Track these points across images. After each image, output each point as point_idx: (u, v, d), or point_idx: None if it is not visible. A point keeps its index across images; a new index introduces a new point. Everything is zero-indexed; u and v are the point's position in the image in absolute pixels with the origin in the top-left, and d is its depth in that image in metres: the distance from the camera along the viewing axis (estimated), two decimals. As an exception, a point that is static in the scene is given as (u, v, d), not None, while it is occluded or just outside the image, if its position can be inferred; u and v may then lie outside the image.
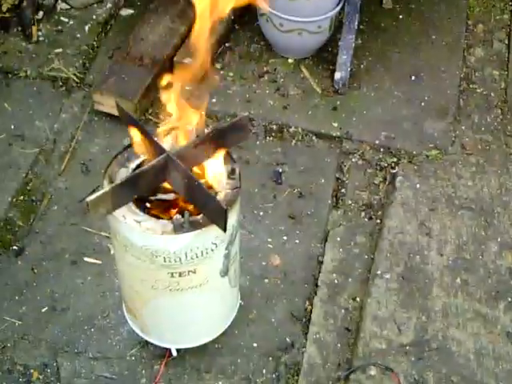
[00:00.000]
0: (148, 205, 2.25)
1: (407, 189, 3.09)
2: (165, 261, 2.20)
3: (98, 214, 2.13)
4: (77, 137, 3.24)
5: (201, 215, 2.16)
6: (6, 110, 3.32)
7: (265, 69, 3.48)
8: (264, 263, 2.90)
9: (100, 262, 2.89)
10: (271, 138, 3.27)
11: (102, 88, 3.23)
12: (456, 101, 3.40)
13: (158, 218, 2.20)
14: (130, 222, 2.16)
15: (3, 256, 2.89)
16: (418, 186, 3.10)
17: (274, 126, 3.29)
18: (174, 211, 2.25)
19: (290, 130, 3.28)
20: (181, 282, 2.28)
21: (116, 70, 3.30)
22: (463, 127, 3.32)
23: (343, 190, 3.12)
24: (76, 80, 3.40)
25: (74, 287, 2.83)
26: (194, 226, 2.14)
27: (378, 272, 2.85)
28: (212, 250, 2.23)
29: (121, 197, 2.15)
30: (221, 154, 2.26)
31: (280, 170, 3.15)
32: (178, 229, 2.14)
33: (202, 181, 2.22)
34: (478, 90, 3.46)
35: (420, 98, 3.41)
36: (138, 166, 2.29)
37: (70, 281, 2.84)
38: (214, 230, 2.15)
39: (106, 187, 2.13)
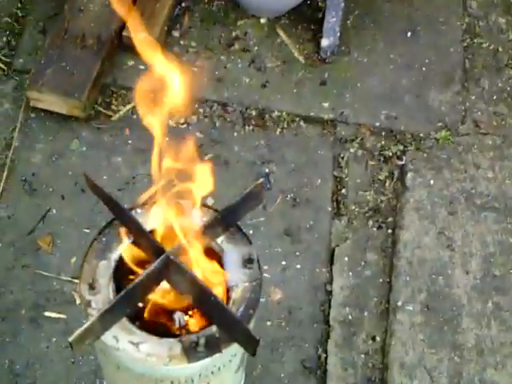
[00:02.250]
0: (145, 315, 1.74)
1: (420, 187, 2.62)
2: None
3: (83, 346, 1.61)
4: (13, 143, 2.63)
5: (215, 328, 1.67)
6: None
7: (233, 34, 2.86)
8: (263, 299, 2.43)
9: (65, 317, 2.38)
10: (251, 128, 2.72)
11: (40, 84, 2.59)
12: (461, 62, 2.89)
13: (160, 333, 1.69)
14: (125, 347, 1.64)
15: None
16: (431, 182, 2.63)
17: (254, 112, 2.74)
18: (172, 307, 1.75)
19: (273, 114, 2.74)
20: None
21: (54, 56, 2.65)
22: (473, 97, 2.83)
23: (344, 191, 2.63)
24: (2, 67, 2.73)
25: (38, 353, 2.33)
26: (211, 346, 1.64)
27: (399, 303, 2.43)
28: (230, 361, 1.78)
29: (110, 320, 1.63)
30: (230, 232, 1.76)
31: (267, 171, 2.63)
32: (191, 353, 1.64)
33: (214, 275, 1.73)
34: (484, 45, 2.94)
35: (420, 60, 2.88)
36: (121, 256, 1.75)
37: (32, 345, 2.34)
38: (234, 347, 1.66)
39: (92, 316, 1.59)
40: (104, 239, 1.77)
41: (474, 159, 2.69)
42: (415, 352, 2.35)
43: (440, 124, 2.75)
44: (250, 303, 1.71)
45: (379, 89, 2.81)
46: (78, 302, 2.38)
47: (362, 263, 2.52)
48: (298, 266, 2.50)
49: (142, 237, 1.71)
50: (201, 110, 2.73)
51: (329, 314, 2.43)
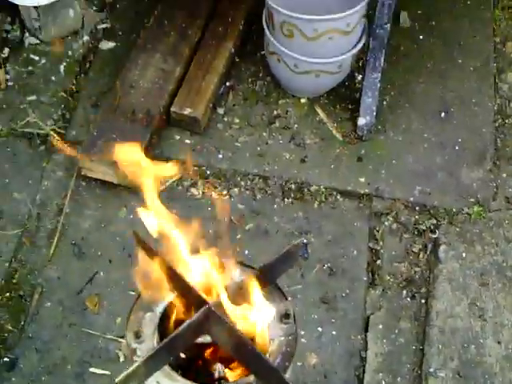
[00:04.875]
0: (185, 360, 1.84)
1: (452, 260, 2.71)
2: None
3: None
4: (64, 209, 2.78)
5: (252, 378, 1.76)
6: (-23, 180, 2.83)
7: (275, 112, 3.02)
8: (300, 363, 2.51)
9: (109, 373, 2.47)
10: (290, 200, 2.84)
11: (91, 153, 2.75)
12: (493, 141, 3.01)
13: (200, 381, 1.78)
14: (165, 391, 1.74)
15: (-7, 371, 2.47)
16: (463, 255, 2.72)
17: (293, 185, 2.86)
18: (212, 357, 1.85)
19: (311, 188, 2.86)
20: None
21: (105, 128, 2.82)
22: (504, 175, 2.93)
23: (379, 262, 2.73)
24: (56, 137, 2.90)
25: (82, 410, 2.42)
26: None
27: (431, 370, 2.49)
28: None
29: (154, 365, 1.73)
30: (268, 289, 1.86)
31: (305, 241, 2.74)
32: (229, 402, 1.74)
33: (250, 328, 1.81)
34: (516, 125, 3.07)
35: (453, 140, 2.99)
36: (166, 308, 1.86)
37: (76, 401, 2.43)
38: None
39: (136, 359, 1.71)
40: (150, 292, 1.89)
41: (505, 233, 2.78)
42: (448, 419, 2.41)
43: (472, 200, 2.85)
44: (285, 355, 1.79)
45: (413, 166, 2.93)
46: (121, 359, 2.49)
47: (396, 331, 2.59)
48: (334, 333, 2.58)
49: (185, 290, 1.82)
50: (242, 183, 2.87)
51: (363, 378, 2.50)
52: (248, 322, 1.83)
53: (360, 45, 2.87)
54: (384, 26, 2.84)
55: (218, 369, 1.80)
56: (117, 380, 1.65)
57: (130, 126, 2.82)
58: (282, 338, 1.83)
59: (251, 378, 1.75)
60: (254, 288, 1.82)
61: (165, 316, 1.85)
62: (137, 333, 1.82)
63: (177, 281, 1.82)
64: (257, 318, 1.82)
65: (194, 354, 1.87)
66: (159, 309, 1.86)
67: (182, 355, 1.85)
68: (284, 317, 1.85)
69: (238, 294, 1.81)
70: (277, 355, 1.79)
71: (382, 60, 2.88)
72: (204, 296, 1.79)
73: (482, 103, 3.10)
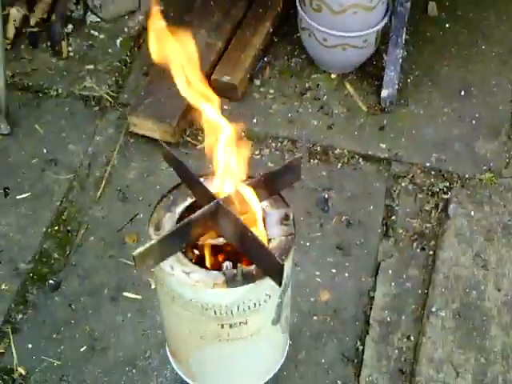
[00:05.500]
0: (195, 250, 2.11)
1: (461, 217, 2.93)
2: (215, 313, 2.06)
3: (144, 267, 1.99)
4: (112, 161, 3.10)
5: (254, 266, 2.02)
6: (37, 133, 3.18)
7: (307, 85, 3.31)
8: (312, 299, 2.76)
9: (140, 298, 2.76)
10: (316, 161, 3.11)
11: (139, 110, 3.08)
12: (509, 118, 3.23)
13: (208, 268, 2.06)
14: (178, 274, 2.01)
15: (39, 291, 2.77)
16: (472, 213, 2.94)
17: (319, 148, 3.14)
18: (223, 258, 2.11)
19: (335, 151, 3.13)
20: (231, 333, 2.14)
21: (152, 90, 3.15)
22: (517, 147, 3.16)
23: (393, 218, 2.97)
24: (109, 99, 3.25)
25: (114, 325, 2.70)
26: (248, 278, 2.00)
27: (433, 309, 2.70)
28: (265, 301, 2.09)
29: (169, 248, 2.01)
30: (273, 198, 2.13)
31: (326, 196, 3.00)
32: (231, 281, 1.99)
33: (254, 228, 2.07)
34: (532, 105, 3.29)
35: (471, 115, 3.24)
36: (185, 210, 2.15)
37: (110, 318, 2.72)
38: (268, 282, 2.00)
39: (153, 239, 1.99)
40: (171, 197, 2.18)
41: (513, 197, 3.00)
42: (444, 350, 2.61)
43: (485, 168, 3.08)
44: (284, 251, 2.05)
45: (432, 136, 3.17)
46: (152, 286, 2.77)
47: (404, 276, 2.82)
48: (346, 275, 2.82)
49: (202, 194, 2.10)
50: (273, 145, 3.15)
51: (370, 315, 2.72)
52: (253, 215, 2.10)
53: (383, 22, 3.15)
54: (404, 3, 3.11)
55: (226, 265, 2.06)
56: (134, 253, 1.93)
57: (175, 89, 3.13)
58: (282, 238, 2.10)
59: (252, 267, 2.03)
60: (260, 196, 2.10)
61: (183, 217, 2.14)
62: (157, 226, 2.12)
63: (193, 183, 2.12)
64: (259, 217, 2.11)
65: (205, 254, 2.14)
66: (178, 209, 2.16)
67: (196, 252, 2.13)
68: (284, 219, 2.13)
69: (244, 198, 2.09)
70: (276, 250, 2.05)
71: (404, 37, 3.15)
72: (214, 194, 2.08)
73: (501, 84, 3.34)
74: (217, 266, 2.10)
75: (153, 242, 1.96)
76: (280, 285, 1.98)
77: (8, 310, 2.72)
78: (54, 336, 2.68)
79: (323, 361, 2.63)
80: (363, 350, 2.64)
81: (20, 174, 3.05)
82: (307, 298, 2.76)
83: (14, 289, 2.76)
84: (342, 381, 2.59)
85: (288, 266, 2.10)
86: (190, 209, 2.15)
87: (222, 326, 2.11)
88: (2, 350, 2.64)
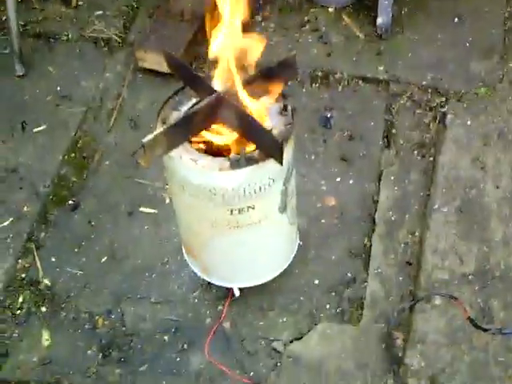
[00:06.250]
0: (203, 147, 2.24)
1: (458, 126, 3.06)
2: (223, 198, 2.19)
3: (154, 155, 2.12)
4: (123, 94, 3.25)
5: (256, 151, 2.16)
6: (50, 74, 3.33)
7: (306, 18, 3.47)
8: (319, 205, 2.89)
9: (156, 212, 2.90)
10: (317, 85, 3.25)
11: (145, 45, 3.24)
12: (501, 40, 3.37)
13: (215, 155, 2.20)
14: (186, 161, 2.16)
15: (60, 211, 2.91)
16: (468, 122, 3.07)
17: (319, 73, 3.28)
18: (229, 150, 2.24)
19: (336, 75, 3.27)
20: (240, 219, 2.28)
21: (157, 27, 3.31)
22: (511, 64, 3.28)
23: (394, 131, 3.10)
24: (118, 40, 3.41)
25: (132, 237, 2.83)
26: (251, 161, 2.14)
27: (436, 206, 2.83)
28: (269, 186, 2.23)
29: (176, 137, 2.15)
30: (271, 91, 2.26)
31: (328, 115, 3.14)
32: (235, 165, 2.13)
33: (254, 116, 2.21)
34: (524, 28, 3.43)
35: (464, 39, 3.37)
36: (190, 109, 2.27)
37: (128, 231, 2.85)
38: (270, 165, 2.15)
39: (161, 128, 2.12)
40: (177, 98, 2.32)
41: (508, 107, 3.11)
42: (447, 242, 2.73)
43: (480, 84, 3.21)
44: (284, 137, 2.19)
45: (427, 59, 3.31)
46: (167, 201, 2.91)
47: (406, 181, 2.94)
48: (351, 182, 2.95)
49: (205, 91, 2.22)
50: (275, 73, 3.29)
51: (375, 215, 2.85)
52: (254, 108, 2.24)
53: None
54: None
55: (231, 155, 2.19)
56: (143, 140, 2.07)
57: (179, 25, 3.30)
58: (282, 127, 2.24)
59: (255, 153, 2.17)
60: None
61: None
62: (163, 120, 2.26)
63: (197, 82, 2.25)
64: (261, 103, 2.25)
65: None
66: (184, 108, 2.30)
67: (203, 146, 2.26)
68: (283, 109, 2.27)
69: (249, 86, 2.23)
70: (277, 137, 2.18)
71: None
72: (216, 87, 2.21)
73: (494, 11, 3.48)
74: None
75: (160, 130, 2.10)
76: (281, 163, 2.12)
77: (31, 229, 2.86)
78: (76, 250, 2.81)
79: (333, 258, 2.75)
80: (370, 246, 2.77)
81: (36, 110, 3.20)
82: (314, 204, 2.89)
83: (35, 210, 2.90)
84: (352, 274, 2.71)
85: (289, 152, 2.24)
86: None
87: (231, 212, 2.25)
88: (28, 265, 2.77)
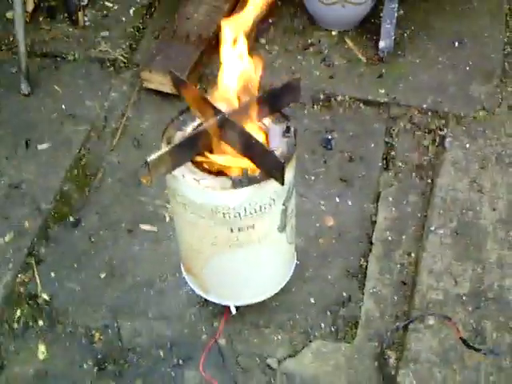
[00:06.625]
0: (206, 166, 2.27)
1: (457, 149, 3.09)
2: (224, 216, 2.23)
3: (158, 174, 2.15)
4: (127, 114, 3.30)
5: (258, 172, 2.19)
6: (56, 92, 3.39)
7: (309, 41, 3.52)
8: (318, 224, 2.93)
9: (156, 229, 2.94)
10: (319, 107, 3.30)
11: (150, 65, 3.29)
12: (501, 64, 3.41)
13: (217, 175, 2.23)
14: (189, 181, 2.19)
15: (60, 227, 2.95)
16: (467, 145, 3.10)
17: (321, 95, 3.32)
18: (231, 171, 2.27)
19: (338, 98, 3.31)
20: (240, 237, 2.31)
21: (163, 48, 3.36)
22: (509, 89, 3.32)
23: (393, 153, 3.13)
24: (123, 60, 3.47)
25: (132, 254, 2.87)
26: (252, 181, 2.17)
27: (432, 228, 2.85)
28: (270, 206, 2.26)
29: (180, 156, 2.18)
30: (274, 115, 2.30)
31: (329, 137, 3.18)
32: (237, 184, 2.17)
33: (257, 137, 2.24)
34: (523, 54, 3.47)
35: (465, 63, 3.41)
36: (195, 129, 2.31)
37: (127, 248, 2.89)
38: (271, 185, 2.18)
39: (166, 148, 2.16)
40: (181, 118, 2.36)
41: (506, 131, 3.14)
42: (443, 263, 2.75)
43: (479, 107, 3.24)
44: (286, 158, 2.22)
45: (428, 82, 3.35)
46: (167, 219, 2.95)
47: (404, 202, 2.97)
48: (350, 203, 2.98)
49: (209, 111, 2.26)
50: (278, 95, 3.34)
51: (372, 235, 2.88)
52: (257, 129, 2.28)
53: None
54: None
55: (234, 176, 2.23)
56: (148, 159, 2.11)
57: (184, 47, 3.35)
58: (284, 148, 2.27)
59: (256, 173, 2.19)
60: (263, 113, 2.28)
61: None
62: (168, 139, 2.30)
63: (201, 103, 2.29)
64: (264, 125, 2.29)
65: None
66: (188, 129, 2.34)
67: (206, 166, 2.29)
68: (286, 131, 2.30)
69: (253, 108, 2.27)
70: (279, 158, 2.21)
71: (397, -10, 3.36)
72: (221, 108, 2.25)
73: (493, 36, 3.52)
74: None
75: (165, 149, 2.14)
76: (282, 183, 2.14)
77: (31, 244, 2.89)
78: (75, 265, 2.85)
79: (329, 277, 2.78)
80: (367, 266, 2.79)
81: (40, 128, 3.25)
82: (313, 223, 2.92)
83: (36, 226, 2.94)
84: (348, 293, 2.73)
85: (290, 173, 2.28)
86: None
87: (232, 230, 2.29)
88: (27, 279, 2.81)
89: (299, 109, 3.28)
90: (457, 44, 3.49)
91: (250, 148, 2.17)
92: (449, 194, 2.95)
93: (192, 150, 2.21)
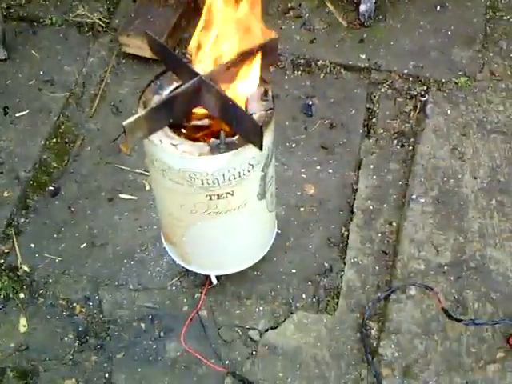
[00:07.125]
0: (184, 131, 2.25)
1: (438, 115, 3.08)
2: (202, 183, 2.20)
3: (134, 138, 2.12)
4: (106, 79, 3.26)
5: (236, 137, 2.17)
6: (34, 58, 3.33)
7: (289, 5, 3.47)
8: (299, 193, 2.91)
9: (136, 198, 2.92)
10: (299, 72, 3.26)
11: (129, 30, 3.24)
12: (483, 29, 3.38)
13: (195, 141, 2.20)
14: (166, 146, 2.16)
15: (40, 197, 2.93)
16: (448, 112, 3.09)
17: (302, 60, 3.29)
18: (209, 136, 2.25)
19: (318, 63, 3.28)
20: (219, 205, 2.29)
21: (141, 12, 3.31)
22: (491, 54, 3.30)
23: (374, 120, 3.12)
24: (101, 24, 3.41)
25: (112, 223, 2.85)
26: (231, 146, 2.14)
27: (413, 196, 2.85)
28: (249, 172, 2.23)
29: (156, 121, 2.15)
30: (252, 76, 2.27)
31: (310, 103, 3.15)
32: (215, 150, 2.14)
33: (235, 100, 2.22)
34: (505, 18, 3.44)
35: (446, 27, 3.39)
36: (171, 92, 2.28)
37: (108, 217, 2.87)
38: (250, 150, 2.15)
39: (142, 111, 2.13)
40: (158, 82, 2.33)
41: (487, 97, 3.14)
42: (424, 232, 2.76)
43: (460, 73, 3.22)
44: (264, 122, 2.18)
45: (409, 46, 3.32)
46: (147, 188, 2.92)
47: (385, 170, 2.96)
48: (330, 171, 2.97)
49: (186, 74, 2.23)
50: (258, 60, 3.30)
51: (353, 204, 2.87)
52: (235, 92, 2.25)
53: None
54: None
55: (212, 140, 2.20)
56: (124, 123, 2.08)
57: (163, 10, 3.30)
58: (262, 112, 2.24)
59: (234, 138, 2.17)
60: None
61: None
62: (145, 103, 2.27)
63: (178, 65, 2.26)
64: (242, 88, 2.25)
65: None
66: (165, 93, 2.30)
67: (184, 131, 2.27)
68: (264, 94, 2.27)
69: (230, 70, 2.23)
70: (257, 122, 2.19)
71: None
72: (196, 70, 2.22)
73: (476, 0, 3.49)
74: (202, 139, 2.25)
75: (141, 113, 2.10)
76: (261, 148, 2.12)
77: (11, 215, 2.87)
78: (55, 236, 2.83)
79: (310, 246, 2.78)
80: (348, 236, 2.79)
81: (18, 95, 3.20)
82: (294, 192, 2.91)
83: (15, 195, 2.91)
84: (329, 263, 2.73)
85: (269, 138, 2.24)
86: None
87: (211, 198, 2.26)
88: (7, 250, 2.79)
89: (280, 74, 3.24)
90: (438, 8, 3.46)
91: (227, 111, 2.13)
92: (430, 161, 2.95)
93: (169, 114, 2.16)
